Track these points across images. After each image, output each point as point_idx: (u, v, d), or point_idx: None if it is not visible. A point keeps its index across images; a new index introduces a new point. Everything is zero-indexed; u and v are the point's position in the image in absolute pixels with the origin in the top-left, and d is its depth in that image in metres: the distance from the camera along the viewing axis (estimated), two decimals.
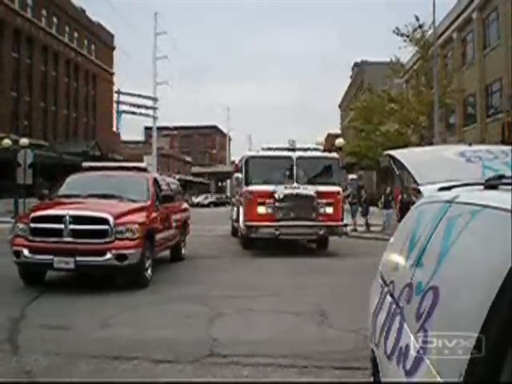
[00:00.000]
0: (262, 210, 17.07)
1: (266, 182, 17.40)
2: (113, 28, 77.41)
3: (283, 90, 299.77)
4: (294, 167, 17.53)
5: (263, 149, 18.58)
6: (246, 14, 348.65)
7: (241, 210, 18.66)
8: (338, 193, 17.88)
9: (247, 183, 17.90)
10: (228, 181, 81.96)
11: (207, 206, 73.38)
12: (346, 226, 18.17)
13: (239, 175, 18.72)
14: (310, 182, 17.51)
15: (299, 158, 17.74)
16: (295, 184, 17.26)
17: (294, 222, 17.01)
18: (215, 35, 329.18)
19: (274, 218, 16.94)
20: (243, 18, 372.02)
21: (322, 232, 17.09)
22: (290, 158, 17.69)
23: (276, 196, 16.91)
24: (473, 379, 1.78)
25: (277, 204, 16.93)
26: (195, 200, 72.34)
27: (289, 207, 16.97)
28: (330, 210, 17.31)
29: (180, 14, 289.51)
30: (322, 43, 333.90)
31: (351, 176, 20.12)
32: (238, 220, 19.92)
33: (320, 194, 17.08)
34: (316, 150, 19.17)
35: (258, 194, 17.20)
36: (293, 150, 18.04)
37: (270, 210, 16.98)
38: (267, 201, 16.99)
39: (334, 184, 17.90)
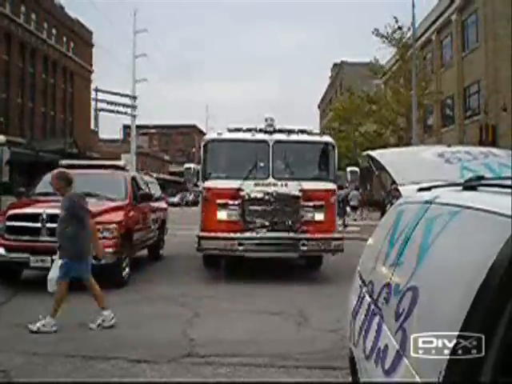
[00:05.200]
0: (222, 215, 12.31)
1: (230, 176, 12.60)
2: (93, 25, 76.89)
3: (275, 88, 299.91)
4: (271, 155, 12.55)
5: (229, 130, 13.22)
6: (236, 11, 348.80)
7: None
8: (332, 192, 12.87)
9: (205, 177, 12.80)
10: None
11: (186, 204, 72.68)
12: (341, 239, 12.67)
13: (191, 166, 13.67)
14: (293, 176, 12.50)
15: (278, 142, 12.71)
16: (271, 179, 12.41)
17: (267, 233, 12.26)
18: (202, 33, 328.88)
19: (239, 228, 12.22)
20: (233, 15, 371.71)
21: (306, 248, 12.26)
22: (264, 142, 12.67)
23: (243, 195, 12.21)
24: (452, 379, 1.79)
25: (244, 207, 12.22)
26: (173, 199, 71.74)
27: (260, 212, 12.24)
28: (319, 216, 12.49)
29: (162, 12, 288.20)
30: (315, 40, 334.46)
31: (351, 168, 14.02)
32: None
33: (306, 194, 12.32)
34: (303, 132, 13.35)
35: (218, 192, 12.38)
36: (270, 132, 12.91)
37: (233, 216, 12.28)
38: (230, 202, 12.26)
39: (326, 180, 12.90)
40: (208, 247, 12.23)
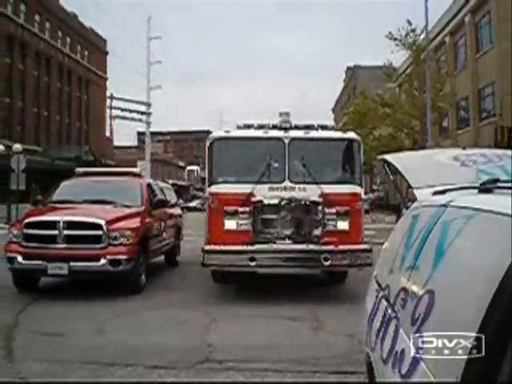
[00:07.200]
0: (230, 224, 10.68)
1: (239, 180, 10.97)
2: (108, 33, 77.51)
3: (289, 92, 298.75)
4: (286, 155, 10.85)
5: (239, 127, 11.61)
6: (251, 14, 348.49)
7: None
8: (358, 196, 11.13)
9: (211, 181, 11.13)
10: None
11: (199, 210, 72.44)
12: (370, 251, 10.50)
13: (194, 168, 12.41)
14: (312, 179, 10.71)
15: (295, 139, 11.01)
16: (287, 183, 10.74)
17: (283, 245, 10.66)
18: (214, 36, 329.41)
19: (251, 239, 10.57)
20: (248, 18, 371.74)
21: (329, 262, 10.34)
22: (279, 140, 10.99)
23: (255, 202, 10.64)
24: (469, 382, 1.79)
25: (256, 215, 10.67)
26: (190, 204, 71.79)
27: (275, 221, 10.75)
28: (344, 224, 10.76)
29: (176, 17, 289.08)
30: (330, 43, 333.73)
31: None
32: None
33: (328, 199, 10.61)
34: (324, 127, 11.67)
35: (226, 198, 10.75)
36: (285, 128, 11.22)
37: (243, 226, 10.63)
38: (240, 210, 10.62)
39: (351, 182, 11.17)
40: (214, 262, 10.67)
